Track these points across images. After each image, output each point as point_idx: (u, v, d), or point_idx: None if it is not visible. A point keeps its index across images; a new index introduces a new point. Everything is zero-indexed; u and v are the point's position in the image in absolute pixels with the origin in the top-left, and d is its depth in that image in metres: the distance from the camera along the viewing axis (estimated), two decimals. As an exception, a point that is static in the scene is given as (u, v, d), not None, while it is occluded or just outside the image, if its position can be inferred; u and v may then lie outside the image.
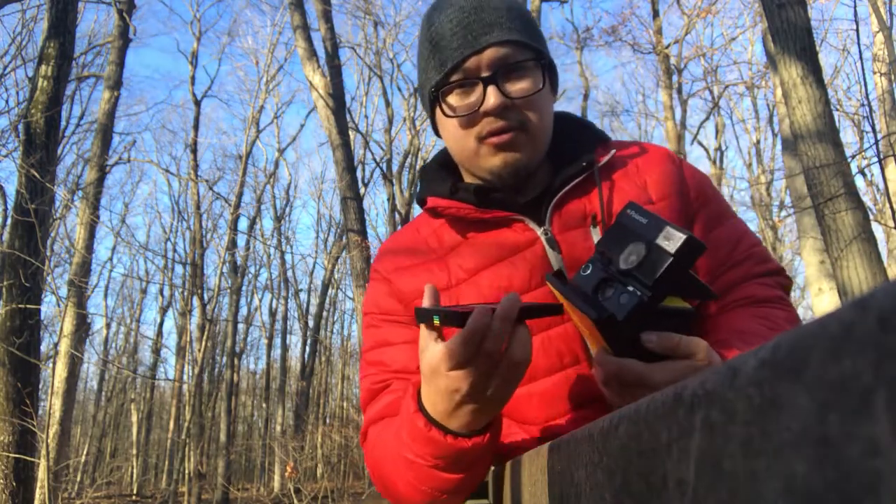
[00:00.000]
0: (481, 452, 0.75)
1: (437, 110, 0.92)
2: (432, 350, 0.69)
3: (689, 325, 0.73)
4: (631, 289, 0.70)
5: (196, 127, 15.58)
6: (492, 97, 0.86)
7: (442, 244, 0.96)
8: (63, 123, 9.50)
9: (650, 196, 0.92)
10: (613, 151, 0.95)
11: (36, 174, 5.39)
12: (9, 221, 5.86)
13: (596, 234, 0.88)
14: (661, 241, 0.70)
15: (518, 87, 0.87)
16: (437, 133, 1.00)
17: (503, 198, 0.93)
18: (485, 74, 0.87)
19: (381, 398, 0.91)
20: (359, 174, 14.69)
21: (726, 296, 0.93)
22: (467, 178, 1.00)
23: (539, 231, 0.90)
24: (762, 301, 0.91)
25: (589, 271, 0.75)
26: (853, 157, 4.30)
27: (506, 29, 0.87)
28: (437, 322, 0.69)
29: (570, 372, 0.87)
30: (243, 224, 20.56)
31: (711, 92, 13.86)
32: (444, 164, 1.03)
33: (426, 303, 0.72)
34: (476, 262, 0.92)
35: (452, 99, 0.90)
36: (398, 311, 0.96)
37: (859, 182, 12.86)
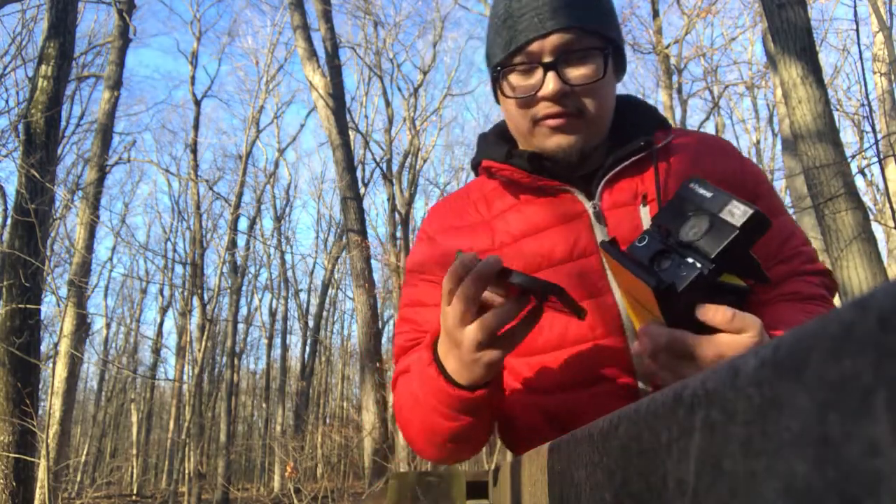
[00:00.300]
0: (471, 405, 0.79)
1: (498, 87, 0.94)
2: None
3: (743, 303, 0.72)
4: (690, 260, 0.69)
5: (196, 127, 15.59)
6: (550, 83, 0.87)
7: (490, 208, 0.99)
8: (63, 123, 9.50)
9: (709, 177, 0.91)
10: (672, 136, 0.96)
11: (36, 174, 5.39)
12: (9, 221, 5.86)
13: (646, 214, 0.89)
14: (725, 215, 0.69)
15: (578, 73, 0.88)
16: (498, 102, 1.03)
17: (556, 168, 0.94)
18: (546, 60, 0.87)
19: (411, 354, 0.96)
20: (359, 174, 14.68)
21: (773, 289, 0.93)
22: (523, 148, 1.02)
23: (588, 204, 0.92)
24: (808, 298, 0.91)
25: (645, 242, 0.74)
26: (853, 157, 4.30)
27: (574, 14, 0.87)
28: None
29: (595, 345, 0.88)
30: (243, 224, 20.57)
31: (711, 92, 13.86)
32: (501, 134, 1.05)
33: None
34: (522, 227, 0.94)
35: (514, 78, 0.91)
36: (437, 273, 0.98)
37: (859, 182, 12.86)
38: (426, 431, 0.86)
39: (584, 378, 0.87)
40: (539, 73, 0.88)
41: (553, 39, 0.87)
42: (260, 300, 22.12)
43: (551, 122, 0.89)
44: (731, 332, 0.68)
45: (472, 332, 0.72)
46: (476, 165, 1.04)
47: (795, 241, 0.95)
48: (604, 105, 0.91)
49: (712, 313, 0.68)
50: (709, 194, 0.72)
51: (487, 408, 0.82)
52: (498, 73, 0.93)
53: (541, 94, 0.88)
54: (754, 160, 17.10)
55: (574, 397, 0.88)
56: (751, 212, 0.67)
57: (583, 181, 0.94)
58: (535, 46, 0.88)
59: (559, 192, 0.94)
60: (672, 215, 0.74)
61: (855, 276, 3.69)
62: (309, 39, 9.54)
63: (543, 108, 0.89)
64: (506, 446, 1.03)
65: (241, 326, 19.82)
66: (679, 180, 0.90)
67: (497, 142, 1.04)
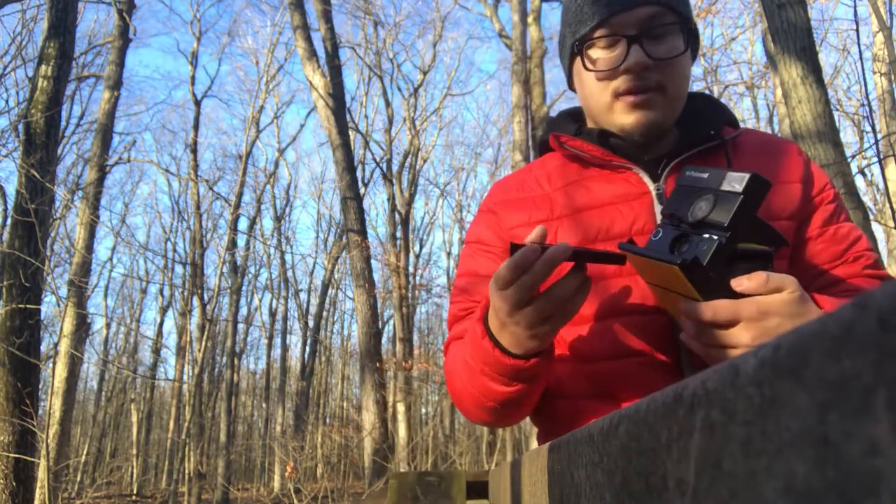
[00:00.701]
0: (526, 373, 0.81)
1: (577, 62, 0.94)
2: (497, 269, 0.76)
3: (769, 266, 0.74)
4: (707, 235, 0.72)
5: (196, 127, 15.59)
6: (634, 56, 0.87)
7: (552, 183, 1.00)
8: (63, 123, 9.49)
9: (777, 175, 0.93)
10: (742, 130, 0.98)
11: (36, 174, 5.39)
12: (9, 221, 5.86)
13: None
14: (726, 187, 0.72)
15: (661, 48, 0.88)
16: (570, 86, 1.03)
17: (625, 147, 0.95)
18: (631, 33, 0.88)
19: (464, 322, 0.99)
20: (359, 174, 14.68)
21: (834, 287, 0.94)
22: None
23: (652, 186, 0.93)
24: None
25: (660, 235, 0.77)
26: (853, 157, 4.30)
27: None
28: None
29: (642, 318, 0.89)
30: (243, 224, 20.56)
31: (711, 92, 13.85)
32: (571, 115, 1.07)
33: (529, 238, 0.77)
34: (584, 200, 0.95)
35: (594, 52, 0.92)
36: (495, 244, 1.01)
37: (859, 182, 12.86)
38: (479, 395, 0.88)
39: (629, 349, 0.89)
40: (622, 46, 0.89)
41: (638, 13, 0.88)
42: (260, 300, 22.13)
43: (632, 98, 0.89)
44: (769, 293, 0.70)
45: (529, 315, 0.74)
46: (543, 142, 1.06)
47: (862, 245, 0.96)
48: (682, 83, 0.92)
49: (747, 282, 0.70)
50: (705, 175, 0.76)
51: (542, 374, 0.84)
52: (579, 48, 0.93)
53: (624, 66, 0.88)
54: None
55: (619, 367, 0.89)
56: (748, 176, 0.70)
57: (650, 164, 0.95)
58: (619, 19, 0.88)
59: (626, 170, 0.94)
60: (678, 204, 0.78)
61: (855, 276, 3.68)
62: (309, 39, 9.54)
63: (625, 82, 0.89)
64: (536, 424, 1.04)
65: (241, 326, 19.82)
66: (749, 166, 0.91)
67: (566, 120, 1.06)
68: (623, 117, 0.91)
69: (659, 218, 0.90)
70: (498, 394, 0.85)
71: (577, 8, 0.94)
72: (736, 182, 0.71)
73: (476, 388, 0.87)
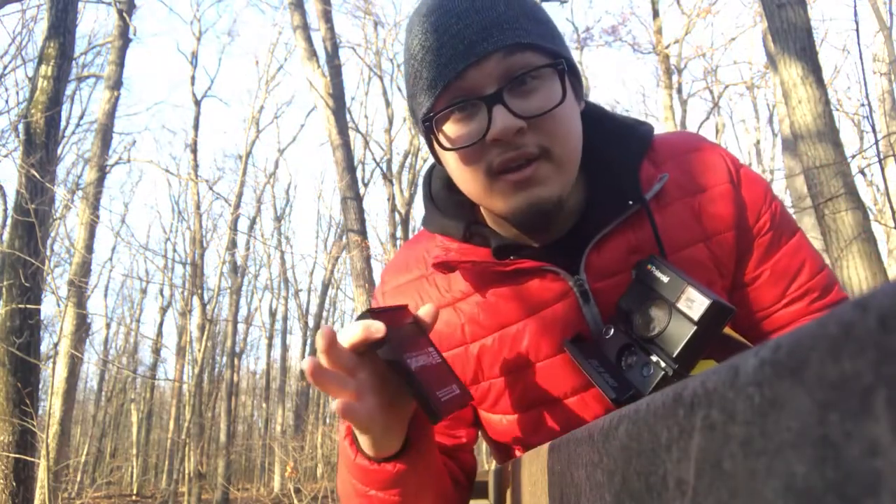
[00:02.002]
0: (389, 481, 0.70)
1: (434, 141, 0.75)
2: None
3: None
4: (655, 359, 0.65)
5: (196, 127, 15.58)
6: (499, 120, 0.68)
7: (450, 288, 0.83)
8: (63, 123, 9.50)
9: (704, 229, 0.79)
10: (665, 177, 0.78)
11: (36, 174, 5.39)
12: (9, 221, 5.86)
13: None
14: (682, 306, 0.64)
15: (532, 101, 0.70)
16: (439, 163, 0.83)
17: (527, 247, 0.81)
18: (488, 92, 0.69)
19: None
20: (359, 174, 14.68)
21: (775, 335, 0.80)
22: (483, 210, 0.85)
23: (571, 281, 0.77)
24: None
25: (611, 334, 0.70)
26: (853, 157, 4.30)
27: (509, 29, 0.69)
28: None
29: (573, 400, 0.81)
30: (243, 224, 20.56)
31: (711, 92, 13.86)
32: (452, 186, 0.85)
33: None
34: (497, 318, 0.80)
35: (450, 127, 0.73)
36: None
37: (859, 182, 12.86)
38: None
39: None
40: (481, 112, 0.70)
41: (491, 65, 0.69)
42: (260, 300, 22.13)
43: (513, 176, 0.71)
44: None
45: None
46: (428, 228, 0.87)
47: (805, 274, 0.82)
48: (571, 136, 0.73)
49: None
50: (665, 279, 0.67)
51: (415, 480, 0.72)
52: (429, 125, 0.73)
53: (490, 136, 0.69)
54: (754, 160, 17.10)
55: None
56: (707, 303, 0.62)
57: (562, 249, 0.79)
58: (467, 78, 0.69)
59: (540, 271, 0.78)
60: (635, 300, 0.69)
61: (855, 276, 3.68)
62: (309, 39, 9.54)
63: (497, 156, 0.70)
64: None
65: (241, 326, 19.81)
66: (678, 223, 0.78)
67: (450, 202, 0.85)
68: (506, 201, 0.73)
69: (589, 316, 0.77)
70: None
71: (415, 73, 0.73)
72: (694, 306, 0.62)
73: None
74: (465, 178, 0.75)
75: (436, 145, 0.76)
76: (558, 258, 0.78)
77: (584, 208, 0.80)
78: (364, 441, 0.68)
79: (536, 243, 0.82)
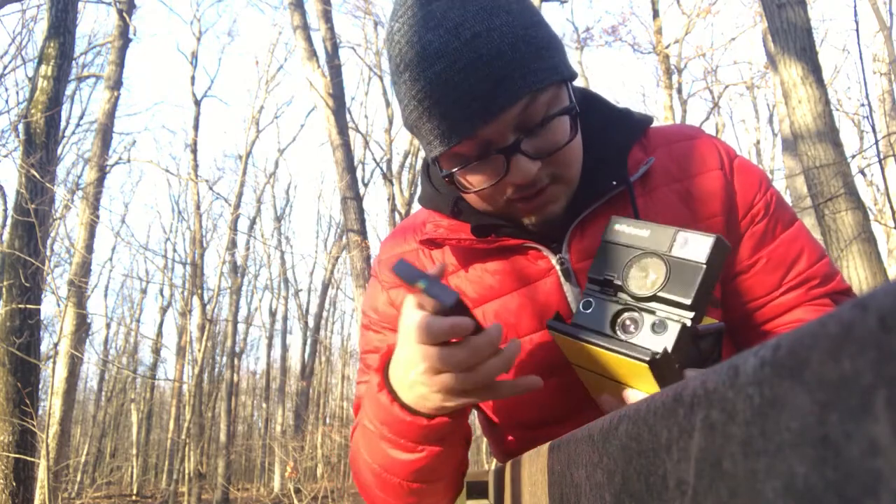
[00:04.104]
0: (432, 434, 0.69)
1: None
2: (411, 316, 0.64)
3: (721, 344, 0.64)
4: (662, 314, 0.60)
5: (196, 127, 15.58)
6: (520, 169, 0.71)
7: (444, 261, 0.86)
8: (63, 123, 9.49)
9: (692, 214, 0.79)
10: (651, 160, 0.80)
11: (36, 174, 5.39)
12: (9, 221, 5.86)
13: None
14: (679, 252, 0.60)
15: (546, 140, 0.72)
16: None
17: (508, 226, 0.82)
18: (507, 143, 0.70)
19: None
20: (359, 174, 14.68)
21: (775, 322, 0.81)
22: None
23: (554, 259, 0.79)
24: None
25: (592, 308, 0.64)
26: (853, 157, 4.30)
27: (519, 78, 0.68)
28: (420, 287, 0.59)
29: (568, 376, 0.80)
30: (243, 224, 20.56)
31: (711, 92, 13.86)
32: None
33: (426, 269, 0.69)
34: (482, 291, 0.82)
35: (467, 173, 0.74)
36: (394, 321, 0.88)
37: (859, 182, 12.86)
38: (380, 471, 0.75)
39: (570, 410, 0.81)
40: (498, 158, 0.71)
41: (505, 119, 0.69)
42: (260, 300, 22.14)
43: (528, 205, 0.76)
44: None
45: (450, 382, 0.63)
46: (422, 203, 0.91)
47: (802, 263, 0.81)
48: (578, 157, 0.77)
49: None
50: (644, 232, 0.62)
51: (452, 436, 0.73)
52: (450, 178, 0.75)
53: (509, 181, 0.72)
54: (754, 160, 17.11)
55: (566, 430, 0.83)
56: (711, 240, 0.58)
57: (550, 229, 0.80)
58: (482, 133, 0.69)
59: (524, 248, 0.80)
60: (610, 265, 0.64)
61: (855, 276, 3.68)
62: (309, 39, 9.54)
63: (514, 192, 0.74)
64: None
65: (241, 326, 19.81)
66: (664, 209, 0.78)
67: (442, 187, 0.86)
68: (524, 216, 0.78)
69: (571, 296, 0.77)
70: (401, 466, 0.72)
71: (417, 116, 0.72)
72: (695, 246, 0.59)
73: (379, 463, 0.74)
74: (479, 205, 0.80)
75: (451, 183, 0.78)
76: (543, 236, 0.80)
77: (575, 189, 0.82)
78: (440, 399, 0.65)
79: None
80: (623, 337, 0.62)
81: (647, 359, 0.57)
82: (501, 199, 0.76)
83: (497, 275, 0.81)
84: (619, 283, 0.63)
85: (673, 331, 0.59)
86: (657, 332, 0.59)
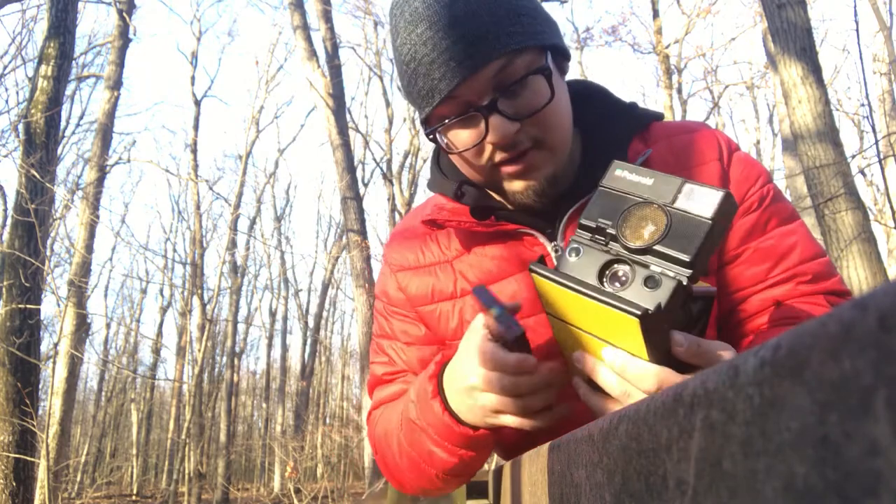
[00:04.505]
0: (474, 442, 0.76)
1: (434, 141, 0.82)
2: (478, 336, 0.69)
3: (710, 311, 0.61)
4: (658, 270, 0.55)
5: (196, 127, 15.57)
6: (497, 128, 0.73)
7: (449, 246, 0.89)
8: (63, 123, 9.50)
9: None
10: (649, 151, 0.82)
11: (36, 174, 5.39)
12: (9, 221, 5.86)
13: None
14: (683, 205, 0.55)
15: (524, 101, 0.74)
16: (441, 150, 0.89)
17: (508, 210, 0.85)
18: (483, 103, 0.73)
19: (389, 387, 0.93)
20: (359, 174, 14.68)
21: (760, 317, 0.80)
22: None
23: (549, 247, 0.81)
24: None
25: (580, 255, 0.59)
26: (853, 157, 4.30)
27: (494, 39, 0.72)
28: (493, 313, 0.63)
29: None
30: (243, 224, 20.56)
31: (711, 92, 13.86)
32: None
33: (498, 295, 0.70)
34: (481, 275, 0.85)
35: (450, 133, 0.78)
36: (405, 306, 0.92)
37: (859, 182, 12.86)
38: (419, 462, 0.81)
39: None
40: (478, 118, 0.75)
41: (482, 78, 0.72)
42: (260, 300, 22.14)
43: (510, 168, 0.77)
44: (703, 366, 0.57)
45: (510, 406, 0.69)
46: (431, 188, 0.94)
47: (793, 258, 0.80)
48: (563, 123, 0.78)
49: (686, 345, 0.57)
50: (648, 181, 0.57)
51: (490, 444, 0.79)
52: (430, 130, 0.79)
53: (488, 141, 0.75)
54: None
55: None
56: (721, 195, 0.54)
57: (548, 215, 0.82)
58: (461, 92, 0.73)
59: (521, 234, 0.83)
60: (604, 212, 0.59)
61: (855, 276, 3.68)
62: (309, 39, 9.54)
63: (496, 153, 0.76)
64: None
65: (241, 326, 19.81)
66: None
67: (453, 166, 0.90)
68: (509, 186, 0.80)
69: None
70: (440, 463, 0.79)
71: (406, 77, 0.77)
72: (702, 200, 0.54)
73: (417, 452, 0.80)
74: (468, 172, 0.82)
75: (440, 147, 0.83)
76: (541, 223, 0.83)
77: (576, 178, 0.84)
78: (488, 414, 0.71)
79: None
80: (611, 289, 0.57)
81: (640, 313, 0.52)
82: (486, 163, 0.78)
83: (496, 259, 0.84)
84: (612, 231, 0.58)
85: (667, 287, 0.54)
86: (649, 288, 0.55)
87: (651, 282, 0.55)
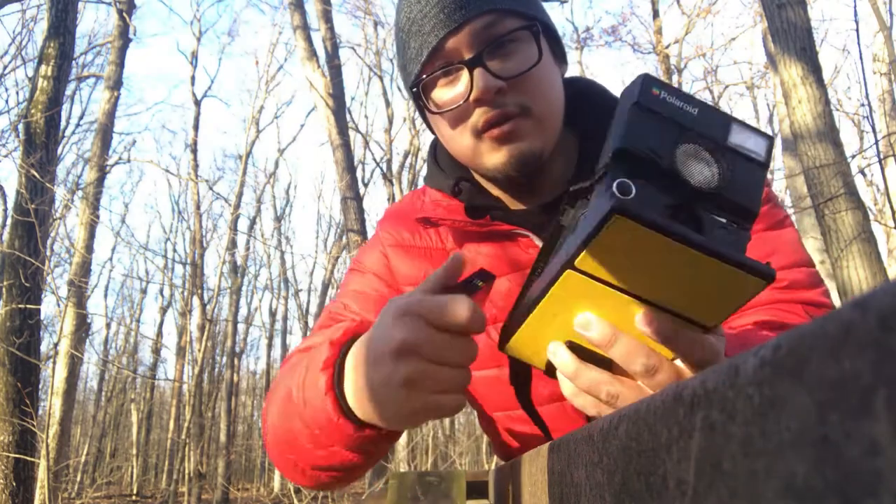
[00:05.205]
0: (365, 443, 0.62)
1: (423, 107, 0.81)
2: (418, 292, 0.57)
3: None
4: (723, 220, 0.43)
5: (196, 127, 15.58)
6: (480, 81, 0.73)
7: (446, 237, 0.88)
8: (63, 123, 9.49)
9: None
10: None
11: (36, 174, 5.39)
12: (9, 221, 5.86)
13: None
14: (740, 144, 0.44)
15: (510, 63, 0.74)
16: (433, 132, 0.89)
17: (503, 210, 0.84)
18: (468, 56, 0.74)
19: (327, 331, 0.74)
20: (359, 174, 14.68)
21: (738, 322, 0.75)
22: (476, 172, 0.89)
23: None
24: (780, 328, 0.70)
25: (634, 192, 0.41)
26: (853, 157, 4.30)
27: None
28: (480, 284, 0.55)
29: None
30: (243, 224, 20.57)
31: (711, 92, 13.86)
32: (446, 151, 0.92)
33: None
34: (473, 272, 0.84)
35: (437, 92, 0.78)
36: (382, 271, 0.89)
37: (859, 182, 12.86)
38: (297, 456, 0.68)
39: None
40: (463, 75, 0.75)
41: (467, 31, 0.74)
42: (260, 300, 22.16)
43: (495, 131, 0.75)
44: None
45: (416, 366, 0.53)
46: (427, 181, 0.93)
47: (771, 263, 0.74)
48: (550, 95, 0.77)
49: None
50: (692, 108, 0.44)
51: (381, 449, 0.65)
52: (418, 92, 0.78)
53: (472, 97, 0.74)
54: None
55: (524, 414, 0.83)
56: (769, 140, 0.45)
57: (541, 215, 0.81)
58: (449, 45, 0.74)
59: (515, 235, 0.81)
60: (646, 141, 0.44)
61: (855, 276, 3.69)
62: (309, 39, 9.54)
63: (481, 115, 0.75)
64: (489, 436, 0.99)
65: (241, 326, 19.82)
66: None
67: (446, 160, 0.90)
68: (491, 157, 0.77)
69: None
70: (322, 459, 0.65)
71: (402, 44, 0.79)
72: (752, 143, 0.44)
73: (291, 446, 0.67)
74: (454, 140, 0.80)
75: (427, 112, 0.81)
76: (536, 224, 0.81)
77: (572, 178, 0.82)
78: (387, 414, 0.55)
79: (524, 207, 0.85)
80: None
81: (774, 274, 0.41)
82: (471, 129, 0.76)
83: (490, 258, 0.82)
84: (667, 166, 0.43)
85: (743, 242, 0.43)
86: (729, 243, 0.42)
87: (728, 235, 0.43)
